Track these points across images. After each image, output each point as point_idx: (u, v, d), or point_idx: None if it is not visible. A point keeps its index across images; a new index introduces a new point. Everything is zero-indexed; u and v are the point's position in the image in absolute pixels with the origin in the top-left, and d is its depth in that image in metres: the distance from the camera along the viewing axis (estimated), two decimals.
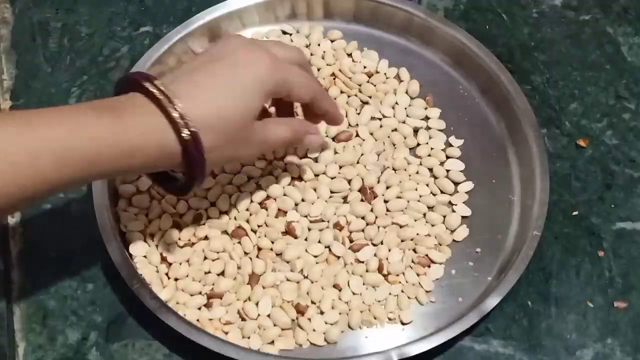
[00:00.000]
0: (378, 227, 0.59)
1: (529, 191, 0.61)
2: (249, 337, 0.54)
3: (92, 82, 0.67)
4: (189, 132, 0.46)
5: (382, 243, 0.59)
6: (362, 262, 0.58)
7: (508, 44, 0.71)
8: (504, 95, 0.65)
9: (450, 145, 0.64)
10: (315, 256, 0.58)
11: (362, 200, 0.60)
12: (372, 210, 0.60)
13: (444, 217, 0.61)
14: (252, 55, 0.49)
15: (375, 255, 0.58)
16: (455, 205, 0.61)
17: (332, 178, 0.61)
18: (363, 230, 0.59)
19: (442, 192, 0.62)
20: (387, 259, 0.58)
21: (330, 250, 0.58)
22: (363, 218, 0.60)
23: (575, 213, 0.63)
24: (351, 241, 0.59)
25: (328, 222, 0.59)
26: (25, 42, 0.70)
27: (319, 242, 0.58)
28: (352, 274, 0.58)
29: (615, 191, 0.64)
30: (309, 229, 0.59)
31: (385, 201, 0.60)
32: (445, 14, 0.72)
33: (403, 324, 0.56)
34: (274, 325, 0.55)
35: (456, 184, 0.62)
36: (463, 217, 0.61)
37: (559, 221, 0.62)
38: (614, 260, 0.61)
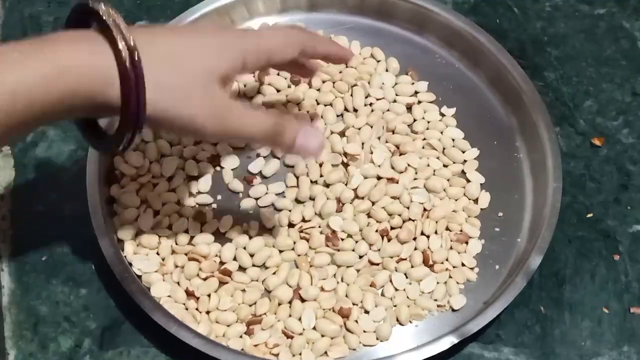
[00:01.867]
0: (414, 220, 0.60)
1: (536, 143, 0.63)
2: (300, 354, 0.55)
3: None
4: (132, 64, 0.43)
5: (422, 234, 0.60)
6: (405, 259, 0.59)
7: (520, 38, 0.71)
8: (516, 92, 0.65)
9: (443, 115, 0.66)
10: (349, 266, 0.58)
11: (393, 198, 0.61)
12: (400, 202, 0.61)
13: (463, 187, 0.62)
14: (220, 27, 0.50)
15: (415, 249, 0.59)
16: (468, 173, 0.63)
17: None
18: (401, 227, 0.60)
19: (453, 162, 0.63)
20: (428, 248, 0.59)
21: (369, 260, 0.59)
22: (400, 215, 0.60)
23: (589, 215, 0.63)
24: (389, 240, 0.59)
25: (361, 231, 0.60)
26: (16, 37, 0.69)
27: (353, 250, 0.59)
28: (396, 271, 0.58)
29: (631, 192, 0.64)
30: (342, 239, 0.59)
31: (405, 188, 0.61)
32: (454, 6, 0.72)
33: (454, 310, 0.57)
34: (322, 336, 0.55)
35: (462, 152, 0.64)
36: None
37: (573, 224, 0.62)
38: (630, 265, 0.61)
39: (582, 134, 0.67)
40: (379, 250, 0.59)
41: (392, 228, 0.60)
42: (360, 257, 0.59)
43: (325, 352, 0.55)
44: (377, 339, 0.56)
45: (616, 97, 0.69)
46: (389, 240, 0.59)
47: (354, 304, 0.57)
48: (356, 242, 0.59)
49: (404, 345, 0.55)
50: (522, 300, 0.58)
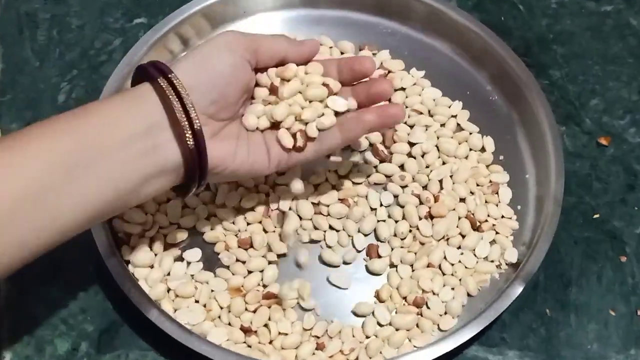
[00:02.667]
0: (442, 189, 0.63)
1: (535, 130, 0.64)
2: (380, 352, 0.56)
3: (82, 76, 0.68)
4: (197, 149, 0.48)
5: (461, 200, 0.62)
6: (452, 237, 0.60)
7: (525, 36, 0.71)
8: (520, 90, 0.65)
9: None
10: (394, 265, 0.60)
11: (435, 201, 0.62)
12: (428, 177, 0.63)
13: (466, 141, 0.65)
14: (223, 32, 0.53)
15: (459, 217, 0.61)
16: (463, 124, 0.66)
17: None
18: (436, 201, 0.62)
19: (447, 119, 0.66)
20: (469, 211, 0.61)
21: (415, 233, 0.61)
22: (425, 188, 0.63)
23: (596, 216, 0.63)
24: (432, 218, 0.61)
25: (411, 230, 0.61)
26: (12, 35, 0.70)
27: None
28: (448, 246, 0.60)
29: (638, 192, 0.64)
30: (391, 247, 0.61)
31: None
32: (459, 3, 0.72)
33: (512, 264, 0.59)
34: (397, 330, 0.56)
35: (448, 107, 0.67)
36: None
37: (579, 225, 0.62)
38: (637, 266, 0.61)
39: (588, 133, 0.66)
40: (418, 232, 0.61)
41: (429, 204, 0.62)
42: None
43: (409, 339, 0.56)
44: (452, 318, 0.57)
45: (623, 95, 0.69)
46: (431, 218, 0.61)
47: (424, 291, 0.58)
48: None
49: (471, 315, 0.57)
50: (527, 302, 0.58)
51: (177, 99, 0.47)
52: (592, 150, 0.66)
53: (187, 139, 0.48)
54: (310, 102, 0.54)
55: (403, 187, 0.62)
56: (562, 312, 0.59)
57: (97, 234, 0.56)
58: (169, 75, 0.48)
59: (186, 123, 0.48)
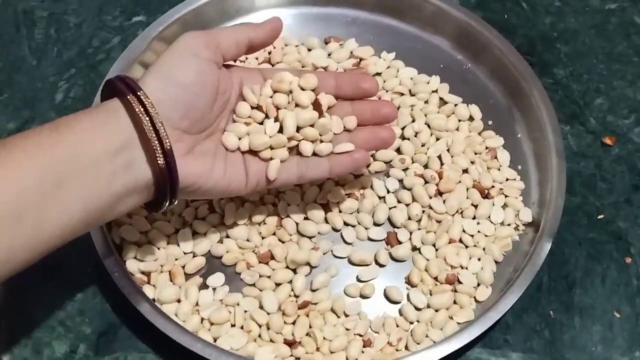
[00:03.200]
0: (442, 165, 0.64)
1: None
2: (426, 336, 0.56)
3: (80, 75, 0.68)
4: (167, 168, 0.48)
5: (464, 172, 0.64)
6: (465, 209, 0.62)
7: (528, 34, 0.71)
8: (522, 89, 0.65)
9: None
10: (417, 248, 0.61)
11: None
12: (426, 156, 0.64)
13: (453, 112, 0.66)
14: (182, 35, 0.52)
15: (467, 188, 0.62)
16: (446, 98, 0.67)
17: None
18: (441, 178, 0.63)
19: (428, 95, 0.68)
20: (475, 180, 0.63)
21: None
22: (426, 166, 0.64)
23: (600, 217, 0.63)
24: (441, 194, 0.62)
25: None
26: (9, 33, 0.70)
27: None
28: (463, 218, 0.61)
29: None
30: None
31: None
32: (461, 1, 0.72)
33: (528, 224, 0.61)
34: (436, 310, 0.57)
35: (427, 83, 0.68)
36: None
37: (584, 225, 0.62)
38: None
39: (592, 132, 0.66)
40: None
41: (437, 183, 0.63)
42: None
43: (451, 317, 0.57)
44: (486, 287, 0.58)
45: (628, 94, 0.69)
46: (440, 194, 0.62)
47: (452, 267, 0.59)
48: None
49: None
50: (530, 304, 0.58)
51: (147, 118, 0.47)
52: (596, 150, 0.66)
53: (158, 158, 0.47)
54: (299, 129, 0.54)
55: (405, 170, 0.63)
56: (566, 314, 0.59)
57: (95, 234, 0.56)
58: (138, 93, 0.47)
59: (156, 142, 0.47)
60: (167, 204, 0.50)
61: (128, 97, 0.47)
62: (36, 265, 0.57)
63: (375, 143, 0.56)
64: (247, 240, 0.59)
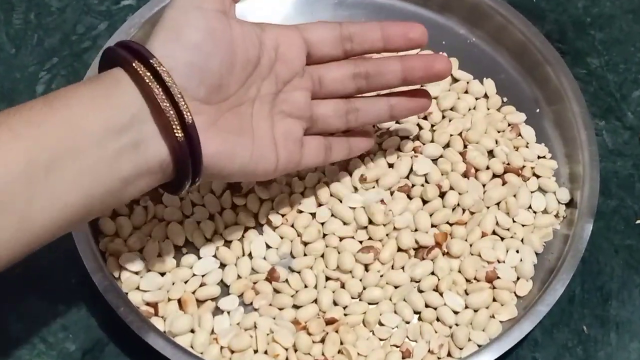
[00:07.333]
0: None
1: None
2: (469, 339, 0.56)
3: (63, 64, 0.67)
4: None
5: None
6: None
7: (559, 20, 0.71)
8: (550, 80, 0.65)
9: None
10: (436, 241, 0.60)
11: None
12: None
13: (466, 92, 0.67)
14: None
15: (497, 176, 0.63)
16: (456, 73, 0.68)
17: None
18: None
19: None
20: (504, 163, 0.62)
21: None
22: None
23: (639, 221, 0.63)
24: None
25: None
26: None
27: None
28: (498, 209, 0.61)
29: None
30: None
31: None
32: None
33: (566, 204, 0.61)
34: (476, 310, 0.57)
35: None
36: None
37: (620, 231, 0.62)
38: None
39: (630, 128, 0.66)
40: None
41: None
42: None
43: (493, 315, 0.57)
44: (527, 280, 0.58)
45: None
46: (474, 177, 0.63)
47: (489, 262, 0.59)
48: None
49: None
50: (561, 318, 0.58)
51: (157, 86, 0.45)
52: (634, 147, 0.66)
53: (176, 132, 0.46)
54: None
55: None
56: (601, 329, 0.59)
57: (80, 241, 0.56)
58: (151, 61, 0.46)
59: (172, 113, 0.46)
60: (190, 183, 0.49)
61: (134, 64, 0.46)
62: (15, 275, 0.57)
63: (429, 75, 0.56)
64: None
